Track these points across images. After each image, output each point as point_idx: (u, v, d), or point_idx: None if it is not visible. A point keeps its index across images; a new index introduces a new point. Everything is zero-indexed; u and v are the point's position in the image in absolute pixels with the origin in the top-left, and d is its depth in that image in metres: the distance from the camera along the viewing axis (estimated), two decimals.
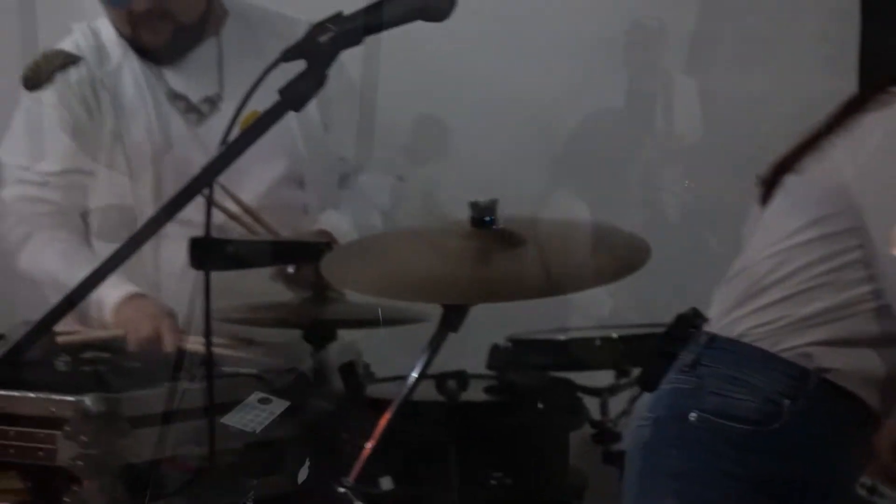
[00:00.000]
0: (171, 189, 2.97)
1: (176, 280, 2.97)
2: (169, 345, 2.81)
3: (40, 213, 3.11)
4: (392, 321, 2.78)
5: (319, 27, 1.74)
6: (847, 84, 3.56)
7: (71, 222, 3.14)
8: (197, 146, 3.06)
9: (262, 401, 2.55)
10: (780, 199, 2.31)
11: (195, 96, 3.12)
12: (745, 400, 2.17)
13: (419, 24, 3.33)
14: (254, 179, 3.04)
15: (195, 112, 3.12)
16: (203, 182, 1.77)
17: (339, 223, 3.11)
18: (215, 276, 1.94)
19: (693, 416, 2.21)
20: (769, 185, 2.34)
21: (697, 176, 4.01)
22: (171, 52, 3.10)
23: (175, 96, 3.12)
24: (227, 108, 3.08)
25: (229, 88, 3.11)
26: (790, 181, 2.29)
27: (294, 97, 1.73)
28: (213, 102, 3.12)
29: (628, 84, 4.16)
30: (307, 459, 2.48)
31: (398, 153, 3.74)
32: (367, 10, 1.79)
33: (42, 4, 3.44)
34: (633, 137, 4.14)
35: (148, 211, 2.97)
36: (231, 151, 1.72)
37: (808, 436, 2.17)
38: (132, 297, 2.93)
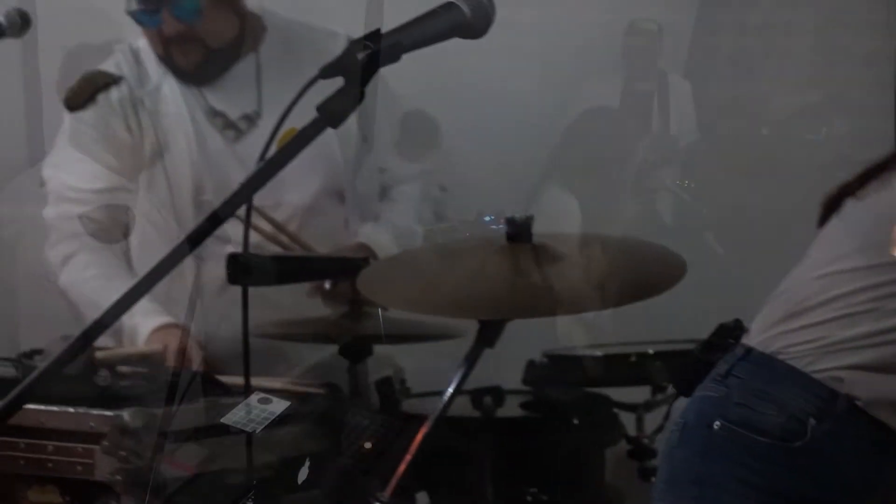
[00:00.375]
0: (210, 206, 3.03)
1: (212, 296, 2.98)
2: (198, 364, 2.84)
3: (81, 231, 3.14)
4: (428, 336, 2.78)
5: (357, 44, 1.74)
6: (846, 85, 3.58)
7: (111, 240, 3.17)
8: (235, 162, 3.07)
9: (262, 401, 2.55)
10: (835, 222, 2.30)
11: (234, 113, 3.13)
12: (771, 415, 2.17)
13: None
14: (293, 194, 3.05)
15: (233, 129, 3.13)
16: (241, 199, 1.77)
17: (378, 236, 3.12)
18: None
19: (717, 424, 2.21)
20: (830, 207, 2.33)
21: (695, 177, 4.01)
22: (204, 73, 3.12)
23: (214, 113, 3.14)
24: (265, 125, 3.09)
25: (268, 105, 3.13)
26: (849, 206, 2.29)
27: (332, 114, 1.73)
28: (251, 119, 3.13)
29: (624, 85, 4.18)
30: (307, 459, 2.46)
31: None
32: (405, 28, 1.79)
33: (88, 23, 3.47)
34: (629, 137, 4.14)
35: (187, 228, 2.99)
36: (269, 168, 1.73)
37: (832, 457, 2.16)
38: (164, 327, 2.96)
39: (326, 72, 1.73)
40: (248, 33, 3.16)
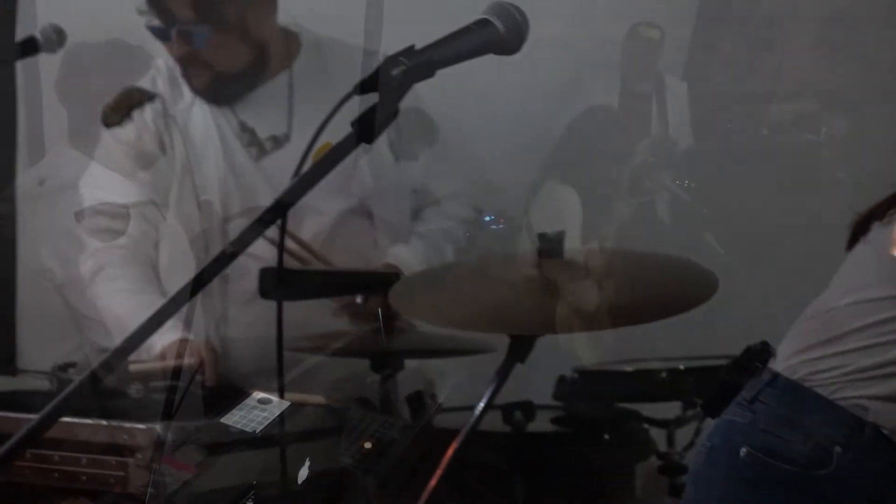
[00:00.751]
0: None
1: (238, 309, 3.01)
2: (210, 379, 2.86)
3: (113, 245, 3.16)
4: (459, 351, 2.78)
5: (392, 60, 1.75)
6: (846, 85, 3.56)
7: (142, 254, 3.19)
8: (260, 179, 3.10)
9: (262, 401, 2.56)
10: (864, 245, 2.29)
11: (262, 132, 3.15)
12: (796, 443, 2.16)
13: (414, 21, 3.36)
14: (320, 213, 3.06)
15: (257, 146, 3.15)
16: (275, 214, 1.78)
17: (407, 258, 3.12)
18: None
19: (743, 451, 2.20)
20: (858, 230, 2.32)
21: (695, 177, 4.00)
22: (219, 94, 3.15)
23: (243, 129, 3.16)
24: (291, 147, 3.12)
25: (298, 126, 3.14)
26: (876, 229, 2.27)
27: (366, 130, 1.74)
28: (278, 141, 3.15)
29: (622, 87, 4.17)
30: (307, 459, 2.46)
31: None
32: (440, 44, 1.80)
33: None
34: (628, 139, 4.13)
35: (215, 242, 3.03)
36: (303, 183, 1.74)
37: (857, 486, 2.15)
38: (178, 343, 2.98)
39: (362, 88, 1.74)
40: (277, 53, 3.17)
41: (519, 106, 3.82)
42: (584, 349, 3.19)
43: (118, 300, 3.10)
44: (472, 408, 2.42)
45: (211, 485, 2.34)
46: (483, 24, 1.83)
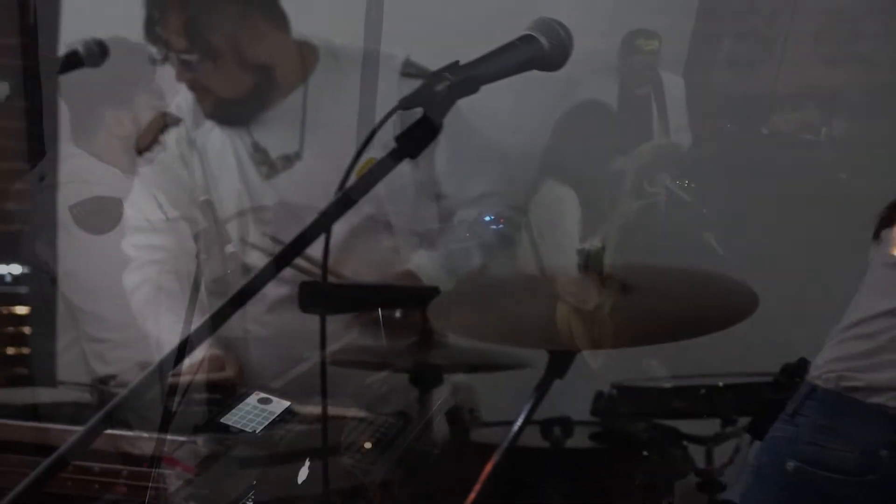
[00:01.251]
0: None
1: (258, 325, 3.07)
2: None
3: (153, 259, 3.22)
4: (498, 367, 2.78)
5: (436, 76, 1.76)
6: (846, 85, 3.55)
7: (180, 265, 3.24)
8: (272, 197, 3.14)
9: (262, 401, 2.56)
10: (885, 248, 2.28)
11: (274, 152, 3.19)
12: (841, 450, 2.15)
13: (413, 20, 3.36)
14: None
15: (269, 166, 3.18)
16: (320, 228, 1.78)
17: (426, 264, 3.13)
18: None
19: (790, 465, 2.19)
20: (885, 222, 2.31)
21: (694, 177, 3.98)
22: (226, 116, 3.19)
23: (256, 148, 3.20)
24: (301, 166, 3.15)
25: (310, 144, 3.17)
26: None
27: (410, 144, 1.75)
28: (289, 160, 3.19)
29: (620, 89, 4.16)
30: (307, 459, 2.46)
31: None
32: (484, 60, 1.81)
33: None
34: (618, 131, 4.12)
35: (234, 262, 3.10)
36: (348, 197, 1.74)
37: None
38: (211, 357, 3.00)
39: (406, 103, 1.75)
40: (287, 70, 3.18)
41: (519, 106, 3.82)
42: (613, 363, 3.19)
43: (154, 317, 3.15)
44: (510, 423, 2.41)
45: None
46: (527, 40, 1.84)
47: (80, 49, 3.12)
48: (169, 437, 2.39)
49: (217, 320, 1.75)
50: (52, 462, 1.55)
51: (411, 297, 2.82)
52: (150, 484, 2.38)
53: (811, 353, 2.44)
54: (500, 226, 3.22)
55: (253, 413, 2.53)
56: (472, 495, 2.34)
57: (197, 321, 2.44)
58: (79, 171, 3.37)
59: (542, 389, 2.42)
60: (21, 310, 3.25)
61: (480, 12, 3.49)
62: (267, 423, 2.50)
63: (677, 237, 3.75)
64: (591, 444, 2.88)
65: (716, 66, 4.15)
